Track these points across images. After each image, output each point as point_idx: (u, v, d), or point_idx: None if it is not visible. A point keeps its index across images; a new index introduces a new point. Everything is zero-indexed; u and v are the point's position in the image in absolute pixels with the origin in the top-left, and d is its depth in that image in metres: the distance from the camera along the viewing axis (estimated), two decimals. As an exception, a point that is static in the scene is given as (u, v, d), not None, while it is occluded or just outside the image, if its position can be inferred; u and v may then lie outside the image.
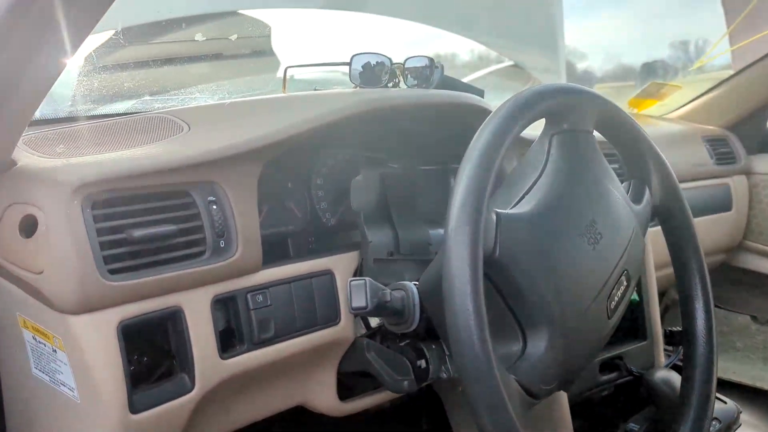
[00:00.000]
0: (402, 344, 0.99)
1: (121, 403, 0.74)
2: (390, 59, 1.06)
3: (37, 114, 1.10)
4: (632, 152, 0.92)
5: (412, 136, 1.10)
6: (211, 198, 0.84)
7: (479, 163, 0.70)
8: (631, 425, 1.38)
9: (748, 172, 2.13)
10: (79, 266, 0.71)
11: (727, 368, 1.75)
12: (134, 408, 0.75)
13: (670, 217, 0.95)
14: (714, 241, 2.04)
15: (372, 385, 1.14)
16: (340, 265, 0.99)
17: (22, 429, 0.85)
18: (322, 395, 1.03)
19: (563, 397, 1.28)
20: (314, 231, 1.08)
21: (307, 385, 1.01)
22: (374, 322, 1.02)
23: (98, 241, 0.73)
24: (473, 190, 0.68)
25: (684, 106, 2.26)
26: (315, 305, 0.94)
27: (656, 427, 1.34)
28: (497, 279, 0.72)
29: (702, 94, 2.23)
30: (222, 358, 0.84)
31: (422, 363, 0.96)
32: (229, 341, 0.87)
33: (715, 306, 2.24)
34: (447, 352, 0.98)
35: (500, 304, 0.74)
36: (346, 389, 1.06)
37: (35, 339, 0.79)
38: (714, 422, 1.28)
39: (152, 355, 0.81)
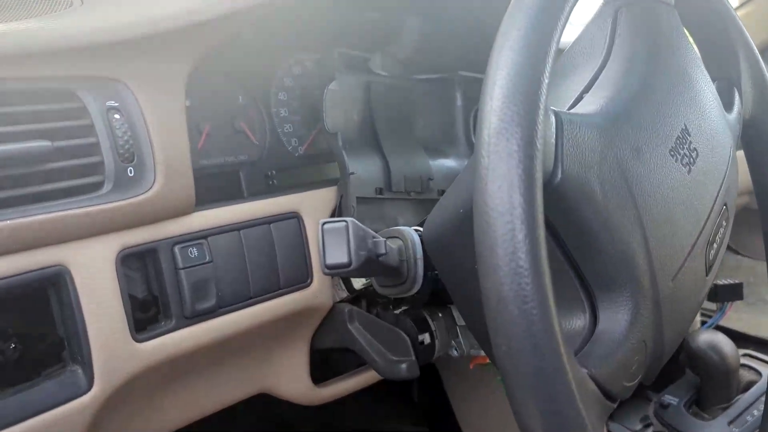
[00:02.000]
0: (397, 312, 0.73)
1: (-34, 417, 0.47)
2: None
3: None
4: (719, 41, 0.65)
5: (407, 31, 0.81)
6: (111, 103, 0.56)
7: (532, 30, 0.42)
8: (667, 398, 1.15)
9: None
10: None
11: (757, 323, 1.53)
12: (-11, 424, 0.49)
13: (760, 138, 0.69)
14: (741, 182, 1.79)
15: (355, 362, 0.89)
16: (311, 205, 0.72)
17: None
18: (291, 380, 0.77)
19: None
20: (277, 161, 0.81)
21: (269, 368, 0.75)
22: (358, 283, 0.75)
23: None
24: (525, 72, 0.41)
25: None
26: (276, 261, 0.67)
27: (699, 398, 1.11)
28: (555, 217, 0.46)
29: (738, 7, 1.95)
30: (136, 340, 0.57)
31: (425, 338, 0.70)
32: (148, 315, 0.60)
33: (739, 253, 2.01)
34: (458, 323, 0.72)
35: (556, 255, 0.47)
36: (319, 370, 0.81)
37: None
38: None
39: (25, 338, 0.54)
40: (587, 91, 0.53)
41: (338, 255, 0.47)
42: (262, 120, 0.79)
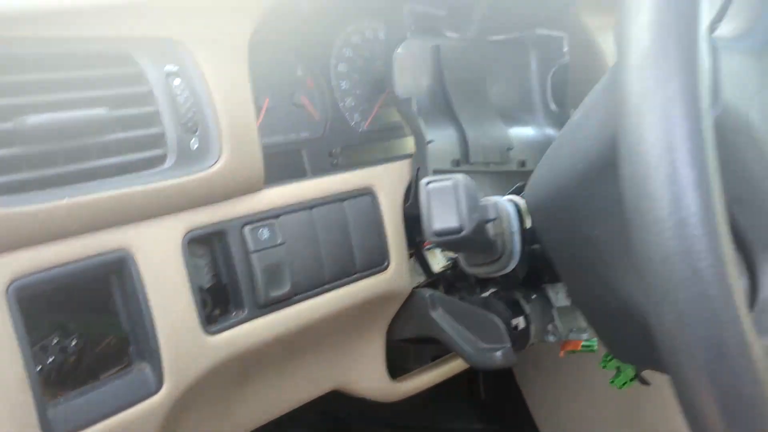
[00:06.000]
0: (485, 295, 0.65)
1: (27, 422, 0.41)
2: None
3: None
4: None
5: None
6: (171, 68, 0.50)
7: None
8: None
9: None
10: None
11: None
12: (51, 430, 0.43)
13: None
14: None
15: (429, 355, 0.82)
16: (385, 180, 0.65)
17: None
18: (367, 375, 0.71)
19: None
20: (341, 138, 0.74)
21: (344, 363, 0.68)
22: (438, 264, 0.68)
23: (-46, 133, 0.39)
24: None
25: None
26: (351, 242, 0.61)
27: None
28: None
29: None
30: (207, 332, 0.51)
31: (519, 322, 0.62)
32: (217, 306, 0.54)
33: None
34: (556, 305, 0.64)
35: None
36: (392, 364, 0.74)
37: None
38: None
39: (87, 334, 0.48)
40: (724, 12, 0.45)
41: (448, 218, 0.40)
42: (322, 94, 0.73)
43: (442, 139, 0.69)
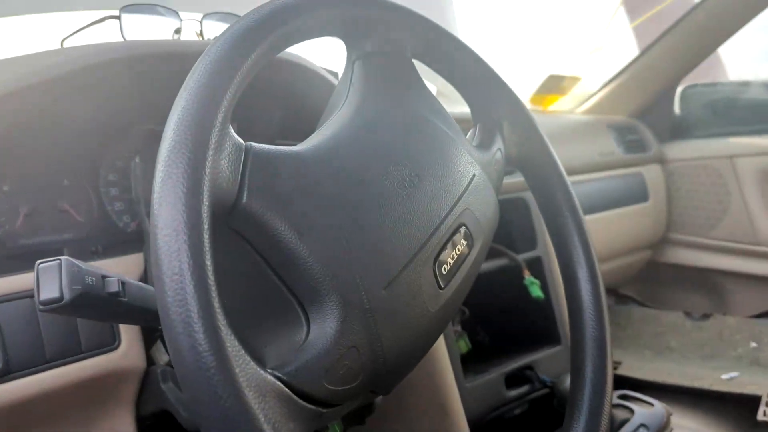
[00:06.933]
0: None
1: None
2: (177, 14, 0.85)
3: None
4: (472, 88, 0.73)
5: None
6: None
7: (211, 70, 0.48)
8: (550, 446, 1.15)
9: (661, 161, 2.00)
10: None
11: (661, 369, 1.56)
12: None
13: (534, 169, 0.76)
14: (636, 236, 1.88)
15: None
16: (118, 270, 0.75)
17: None
18: (117, 450, 0.77)
19: (460, 417, 1.06)
20: (106, 238, 0.85)
21: (90, 437, 0.76)
22: (177, 343, 0.78)
23: None
24: (195, 108, 0.46)
25: (589, 99, 2.13)
26: (76, 325, 0.70)
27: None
28: (255, 238, 0.50)
29: (605, 84, 2.10)
30: None
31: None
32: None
33: (646, 305, 2.05)
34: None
35: (266, 272, 0.51)
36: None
37: None
38: (641, 429, 1.08)
39: None
40: (317, 133, 0.59)
41: (50, 290, 0.51)
42: (89, 200, 0.84)
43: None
